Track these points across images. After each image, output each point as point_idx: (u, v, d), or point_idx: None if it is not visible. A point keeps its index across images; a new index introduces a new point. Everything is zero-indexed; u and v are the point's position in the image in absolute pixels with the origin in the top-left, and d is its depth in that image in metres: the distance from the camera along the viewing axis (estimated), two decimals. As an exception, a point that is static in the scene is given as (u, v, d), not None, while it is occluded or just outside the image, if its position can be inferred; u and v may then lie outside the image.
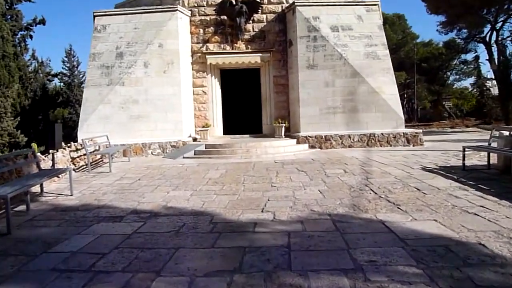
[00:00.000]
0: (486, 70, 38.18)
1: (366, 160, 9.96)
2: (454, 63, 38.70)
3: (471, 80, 44.29)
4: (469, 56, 37.07)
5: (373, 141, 12.97)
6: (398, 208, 5.21)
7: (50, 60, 49.03)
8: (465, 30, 33.10)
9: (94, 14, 13.96)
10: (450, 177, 7.19)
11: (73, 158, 9.99)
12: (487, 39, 31.92)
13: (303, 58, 13.63)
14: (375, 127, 13.33)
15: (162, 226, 4.82)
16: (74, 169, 9.86)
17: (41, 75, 24.90)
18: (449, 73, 40.42)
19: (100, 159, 11.50)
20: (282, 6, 14.76)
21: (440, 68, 38.45)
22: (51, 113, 24.29)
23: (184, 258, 3.73)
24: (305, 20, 13.69)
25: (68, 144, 10.33)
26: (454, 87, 41.62)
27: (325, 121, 13.47)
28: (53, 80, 28.09)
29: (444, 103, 41.23)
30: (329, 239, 4.08)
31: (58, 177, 8.34)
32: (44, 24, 23.18)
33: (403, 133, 12.99)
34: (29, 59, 23.67)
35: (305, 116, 13.55)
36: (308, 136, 13.13)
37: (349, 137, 13.02)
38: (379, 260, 3.45)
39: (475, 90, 34.08)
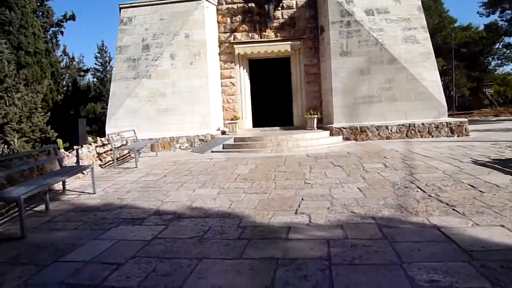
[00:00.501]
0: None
1: (407, 153, 9.17)
2: (496, 47, 36.59)
3: (514, 65, 41.88)
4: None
5: (413, 132, 12.09)
6: (454, 210, 4.51)
7: (83, 57, 50.34)
8: (509, 11, 31.10)
9: (120, 6, 13.70)
10: (508, 172, 6.34)
11: (99, 154, 9.75)
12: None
13: (336, 45, 12.85)
14: (415, 116, 12.43)
15: (185, 231, 4.35)
16: (100, 165, 9.64)
17: (72, 70, 25.16)
18: (490, 59, 38.29)
19: (128, 154, 11.24)
20: (313, -9, 14.00)
21: (480, 53, 36.40)
22: (83, 108, 24.55)
23: (208, 272, 3.23)
24: (337, 4, 12.88)
25: (94, 139, 10.10)
26: (496, 73, 39.38)
27: (360, 111, 12.68)
28: (85, 75, 28.46)
29: (484, 90, 39.08)
30: (376, 250, 3.47)
31: (83, 173, 8.11)
32: (74, 20, 23.35)
33: (447, 123, 12.02)
34: (61, 55, 23.99)
35: (338, 106, 12.81)
36: (342, 127, 12.40)
37: (387, 128, 12.19)
38: (442, 280, 2.82)
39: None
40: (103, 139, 10.57)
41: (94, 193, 6.59)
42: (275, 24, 14.05)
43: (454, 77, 35.60)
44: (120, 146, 10.65)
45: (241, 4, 14.10)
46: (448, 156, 8.29)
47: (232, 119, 13.52)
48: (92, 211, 5.46)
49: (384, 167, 7.47)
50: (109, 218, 5.05)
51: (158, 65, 13.06)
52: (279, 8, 14.01)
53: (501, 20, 32.43)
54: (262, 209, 5.07)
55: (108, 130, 12.84)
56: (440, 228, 3.93)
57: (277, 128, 14.14)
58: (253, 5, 13.98)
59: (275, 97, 15.47)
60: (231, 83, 14.41)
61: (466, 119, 12.19)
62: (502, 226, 3.89)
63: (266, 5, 13.57)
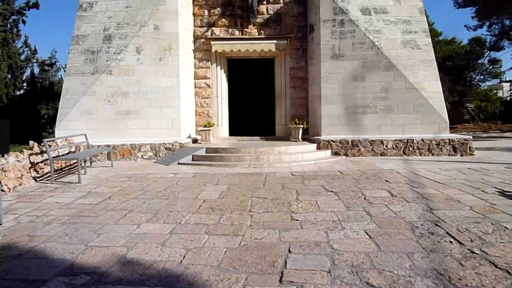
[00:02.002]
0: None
1: (412, 176, 7.61)
2: (481, 62, 36.32)
3: (495, 81, 41.96)
4: (500, 54, 34.80)
5: (410, 149, 10.61)
6: (526, 286, 2.90)
7: (56, 52, 47.41)
8: (497, 26, 30.56)
9: (80, -11, 11.79)
10: (558, 212, 4.83)
11: (34, 164, 7.80)
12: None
13: (327, 46, 11.30)
14: (413, 131, 10.98)
15: (95, 318, 2.59)
16: (35, 178, 7.71)
17: (35, 63, 22.90)
18: (472, 74, 38.08)
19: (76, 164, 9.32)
20: (302, -16, 12.44)
21: (465, 67, 36.05)
22: (45, 107, 22.20)
23: None
24: (330, 0, 11.35)
25: (30, 145, 8.15)
26: (480, 88, 39.06)
27: (352, 123, 11.15)
28: (51, 70, 26.10)
29: (466, 105, 38.68)
30: None
31: (3, 190, 6.21)
32: (37, 8, 21.08)
33: (449, 140, 10.59)
34: (21, 47, 21.66)
35: (327, 116, 11.24)
36: (331, 140, 10.82)
37: (382, 143, 10.68)
38: None
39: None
40: (41, 144, 8.62)
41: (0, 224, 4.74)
42: (259, 20, 12.40)
43: (439, 90, 34.80)
44: (59, 155, 8.68)
45: (221, -5, 12.43)
46: (464, 183, 6.76)
47: (205, 126, 11.74)
48: (-25, 261, 3.63)
49: (390, 197, 5.86)
50: (-9, 278, 3.24)
51: (121, 59, 11.20)
52: (264, 2, 12.37)
53: (489, 35, 31.98)
54: (230, 267, 3.35)
55: (57, 133, 10.90)
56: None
57: (257, 138, 12.45)
58: (234, -3, 12.33)
59: (255, 103, 13.81)
60: (206, 84, 12.64)
61: (470, 136, 10.79)
62: None
63: (249, -2, 11.93)
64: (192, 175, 8.14)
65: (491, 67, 38.79)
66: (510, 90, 33.83)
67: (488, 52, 34.47)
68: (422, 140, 10.61)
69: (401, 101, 11.04)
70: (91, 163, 9.78)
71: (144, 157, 10.67)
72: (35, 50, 22.23)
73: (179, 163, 9.75)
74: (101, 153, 10.39)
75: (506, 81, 46.62)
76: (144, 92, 11.24)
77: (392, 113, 11.08)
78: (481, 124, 31.89)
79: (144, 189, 6.77)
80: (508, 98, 37.46)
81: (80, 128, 10.84)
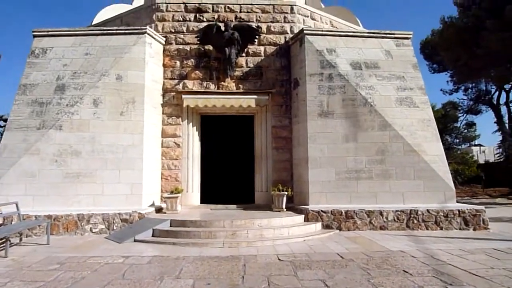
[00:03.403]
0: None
1: (432, 262, 5.90)
2: (457, 125, 36.88)
3: (466, 144, 42.53)
4: (475, 118, 35.50)
5: (415, 221, 9.01)
6: None
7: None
8: (472, 90, 31.01)
9: (34, 33, 10.33)
10: None
11: None
12: (494, 101, 29.71)
13: (314, 103, 10.01)
14: (415, 200, 9.48)
15: None
16: None
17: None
18: (448, 137, 38.47)
19: (2, 241, 7.20)
20: (285, 37, 11.37)
21: (442, 130, 36.26)
22: None
23: None
24: (317, 53, 10.26)
25: None
26: (458, 152, 39.19)
27: (344, 190, 9.57)
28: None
29: (444, 168, 38.37)
30: None
31: None
32: (-2, 59, 19.62)
33: (459, 211, 9.06)
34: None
35: (316, 181, 9.65)
36: (322, 210, 9.13)
37: (381, 214, 9.05)
38: None
39: (500, 153, 30.64)
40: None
41: None
42: (238, 73, 11.11)
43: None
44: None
45: (196, 46, 11.14)
46: (510, 276, 5.09)
47: (172, 192, 9.87)
48: None
49: (424, 304, 4.10)
50: None
51: (74, 113, 9.51)
52: (243, 54, 11.17)
53: (465, 99, 32.45)
54: None
55: (-13, 200, 8.81)
56: None
57: (233, 206, 10.61)
58: (210, 47, 11.07)
59: (232, 165, 12.26)
60: (176, 143, 10.95)
61: (483, 207, 9.29)
62: None
63: (227, 48, 10.68)
64: (147, 261, 6.17)
65: (466, 130, 39.45)
66: (497, 154, 33.63)
67: (465, 115, 34.91)
68: (428, 211, 9.05)
69: (399, 165, 9.64)
70: (20, 239, 7.68)
71: (94, 230, 8.64)
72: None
73: (135, 240, 7.77)
74: (39, 226, 8.33)
75: (475, 145, 47.28)
76: (100, 151, 9.45)
77: (390, 179, 9.61)
78: (462, 188, 31.07)
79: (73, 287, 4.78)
80: (483, 162, 37.56)
81: (17, 194, 8.84)
